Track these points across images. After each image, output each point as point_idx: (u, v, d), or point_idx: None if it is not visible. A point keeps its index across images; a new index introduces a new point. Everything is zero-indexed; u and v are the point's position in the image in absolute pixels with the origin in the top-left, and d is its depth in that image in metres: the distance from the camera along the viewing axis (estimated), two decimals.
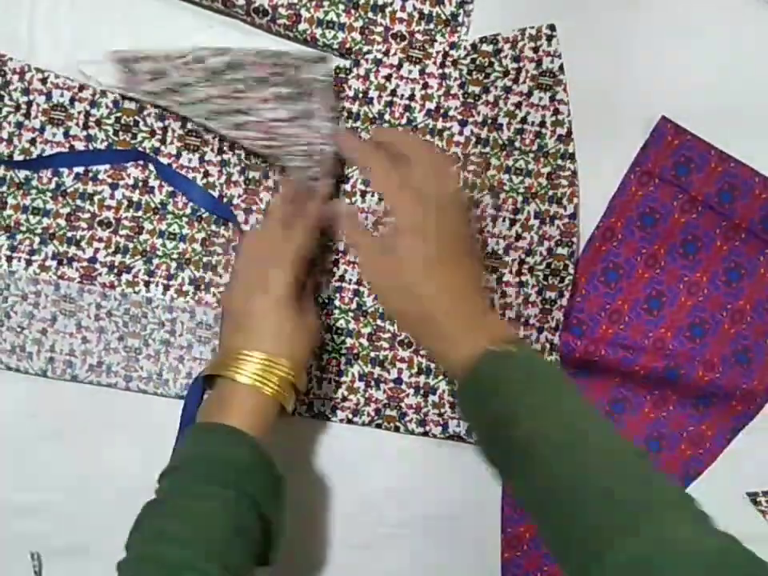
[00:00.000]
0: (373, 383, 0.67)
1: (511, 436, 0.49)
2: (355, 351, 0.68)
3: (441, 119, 0.67)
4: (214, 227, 0.67)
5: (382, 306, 0.65)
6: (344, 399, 0.67)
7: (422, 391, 0.68)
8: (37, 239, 0.66)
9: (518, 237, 0.68)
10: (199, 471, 0.52)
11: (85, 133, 0.66)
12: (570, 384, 0.51)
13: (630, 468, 0.46)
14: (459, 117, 0.67)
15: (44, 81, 0.66)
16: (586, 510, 0.44)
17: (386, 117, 0.67)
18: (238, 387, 0.54)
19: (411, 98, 0.67)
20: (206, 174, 0.67)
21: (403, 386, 0.68)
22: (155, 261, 0.66)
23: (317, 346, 0.62)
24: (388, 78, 0.67)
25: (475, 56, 0.67)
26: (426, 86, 0.67)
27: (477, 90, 0.67)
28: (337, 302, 0.68)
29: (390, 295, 0.57)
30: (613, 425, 0.49)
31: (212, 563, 0.47)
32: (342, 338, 0.68)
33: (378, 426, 0.67)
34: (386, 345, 0.68)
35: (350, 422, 0.67)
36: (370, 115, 0.67)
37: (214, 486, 0.51)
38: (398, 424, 0.67)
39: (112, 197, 0.66)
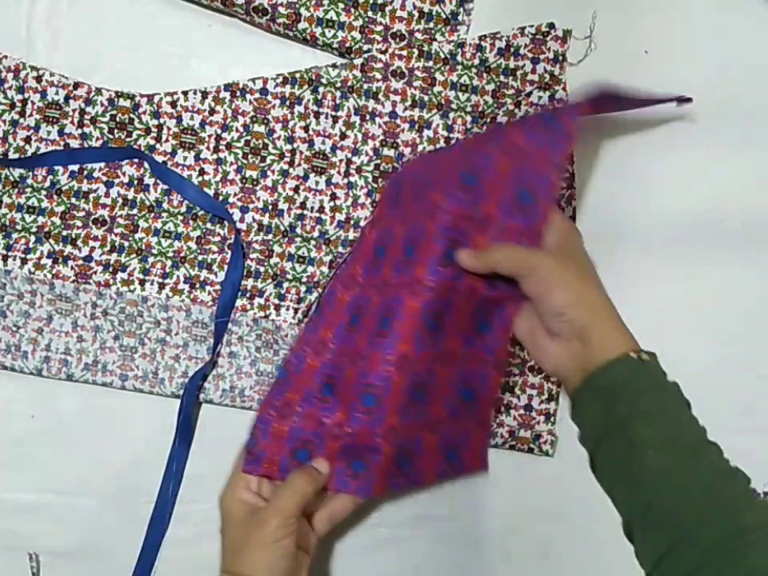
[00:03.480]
0: None
1: (628, 437, 0.51)
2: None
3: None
4: (209, 225, 0.67)
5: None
6: None
7: None
8: (32, 238, 0.66)
9: None
10: None
11: (80, 131, 0.66)
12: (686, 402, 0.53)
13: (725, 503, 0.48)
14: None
15: (39, 79, 0.66)
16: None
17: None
18: None
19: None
20: (202, 172, 0.67)
21: None
22: (150, 259, 0.66)
23: None
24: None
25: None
26: None
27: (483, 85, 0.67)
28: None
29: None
30: (720, 449, 0.50)
31: None
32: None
33: None
34: None
35: None
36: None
37: None
38: None
39: (107, 195, 0.66)
